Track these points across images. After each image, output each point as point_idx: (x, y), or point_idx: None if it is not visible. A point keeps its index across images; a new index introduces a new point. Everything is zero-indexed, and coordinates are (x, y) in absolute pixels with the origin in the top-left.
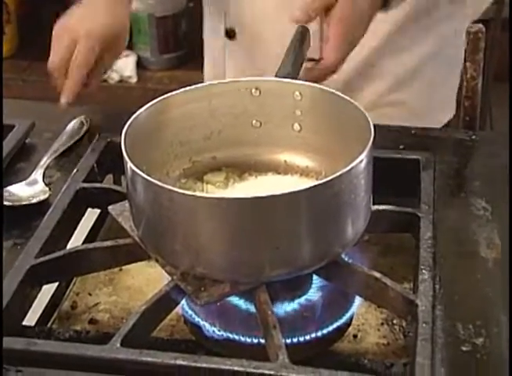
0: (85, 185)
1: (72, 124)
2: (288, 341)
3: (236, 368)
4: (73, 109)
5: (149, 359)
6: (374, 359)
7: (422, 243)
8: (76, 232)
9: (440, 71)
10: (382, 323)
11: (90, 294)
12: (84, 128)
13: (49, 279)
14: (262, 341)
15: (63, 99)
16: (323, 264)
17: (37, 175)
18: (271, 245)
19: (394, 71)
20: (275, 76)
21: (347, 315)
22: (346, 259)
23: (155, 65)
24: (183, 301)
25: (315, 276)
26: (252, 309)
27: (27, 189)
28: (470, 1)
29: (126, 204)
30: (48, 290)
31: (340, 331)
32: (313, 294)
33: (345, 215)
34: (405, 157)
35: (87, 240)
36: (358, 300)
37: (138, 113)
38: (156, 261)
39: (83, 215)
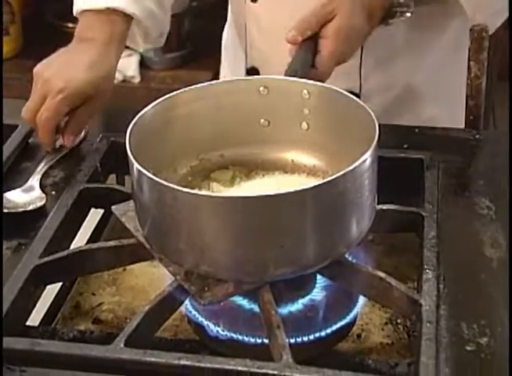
0: (89, 185)
1: None
2: (292, 340)
3: (239, 368)
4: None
5: (152, 359)
6: (378, 358)
7: (426, 242)
8: (79, 232)
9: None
10: (386, 323)
11: (94, 294)
12: (87, 127)
13: (53, 279)
14: (266, 341)
15: (44, 147)
16: (328, 263)
17: (34, 181)
18: (275, 244)
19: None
20: (284, 75)
21: (351, 314)
22: (350, 259)
23: (158, 64)
24: (187, 301)
25: (318, 276)
26: (256, 308)
27: (24, 196)
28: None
29: (129, 203)
30: (51, 290)
31: (344, 331)
32: (317, 293)
33: (350, 214)
34: (409, 156)
35: (90, 240)
36: (362, 300)
37: (144, 111)
38: (160, 261)
39: (86, 215)
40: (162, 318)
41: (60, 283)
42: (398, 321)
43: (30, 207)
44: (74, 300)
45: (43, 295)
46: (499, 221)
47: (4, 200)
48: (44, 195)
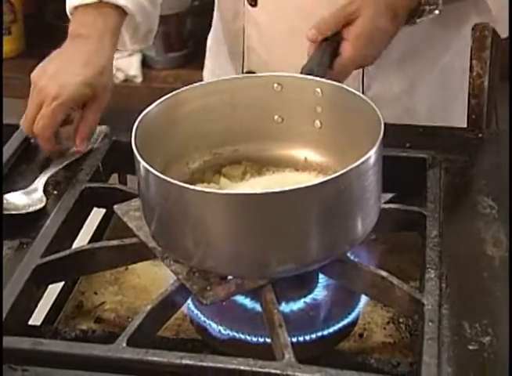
0: (91, 184)
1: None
2: (294, 340)
3: (242, 367)
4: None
5: (155, 358)
6: (380, 358)
7: (428, 241)
8: (81, 231)
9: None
10: (388, 322)
11: (96, 294)
12: (104, 129)
13: (55, 278)
14: (268, 340)
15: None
16: (330, 260)
17: (39, 184)
18: (278, 240)
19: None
20: (300, 73)
21: (353, 314)
22: (352, 258)
23: (160, 64)
24: (189, 301)
25: (321, 275)
26: (258, 308)
27: (25, 198)
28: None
29: (131, 203)
30: (53, 289)
31: (346, 330)
32: (319, 293)
33: (354, 212)
34: (411, 155)
35: (92, 239)
36: (364, 299)
37: (151, 106)
38: (162, 260)
39: (88, 214)
40: (164, 317)
41: (62, 283)
42: (401, 320)
43: (30, 209)
44: (76, 299)
45: (45, 295)
46: (501, 220)
47: (5, 202)
48: (44, 198)
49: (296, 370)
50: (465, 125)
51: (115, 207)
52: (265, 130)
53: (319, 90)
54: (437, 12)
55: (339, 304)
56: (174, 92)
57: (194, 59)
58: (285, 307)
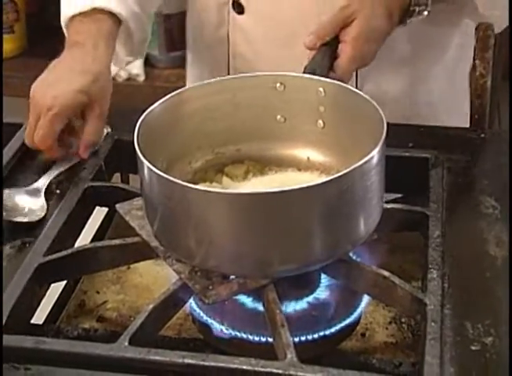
0: (93, 183)
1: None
2: (296, 339)
3: (244, 367)
4: None
5: (157, 357)
6: (382, 357)
7: (431, 241)
8: (84, 230)
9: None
10: (390, 322)
11: (98, 293)
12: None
13: (57, 277)
14: (270, 339)
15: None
16: (333, 260)
17: (41, 185)
18: (281, 240)
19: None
20: (303, 72)
21: (356, 313)
22: (354, 258)
23: (163, 63)
24: (191, 300)
25: (323, 275)
26: (260, 307)
27: (26, 200)
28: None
29: (134, 202)
30: (56, 288)
31: (349, 330)
32: (321, 292)
33: (357, 212)
34: (414, 155)
35: (95, 238)
36: (366, 299)
37: (154, 105)
38: (164, 259)
39: (91, 213)
40: (166, 316)
41: (65, 282)
42: (403, 320)
43: (31, 219)
44: (79, 298)
45: (47, 294)
46: (504, 220)
47: (4, 202)
48: (45, 206)
49: (298, 370)
50: (467, 125)
51: (117, 206)
52: (268, 129)
53: (321, 90)
54: (425, 13)
55: (341, 304)
56: (176, 91)
57: None
58: (287, 307)
